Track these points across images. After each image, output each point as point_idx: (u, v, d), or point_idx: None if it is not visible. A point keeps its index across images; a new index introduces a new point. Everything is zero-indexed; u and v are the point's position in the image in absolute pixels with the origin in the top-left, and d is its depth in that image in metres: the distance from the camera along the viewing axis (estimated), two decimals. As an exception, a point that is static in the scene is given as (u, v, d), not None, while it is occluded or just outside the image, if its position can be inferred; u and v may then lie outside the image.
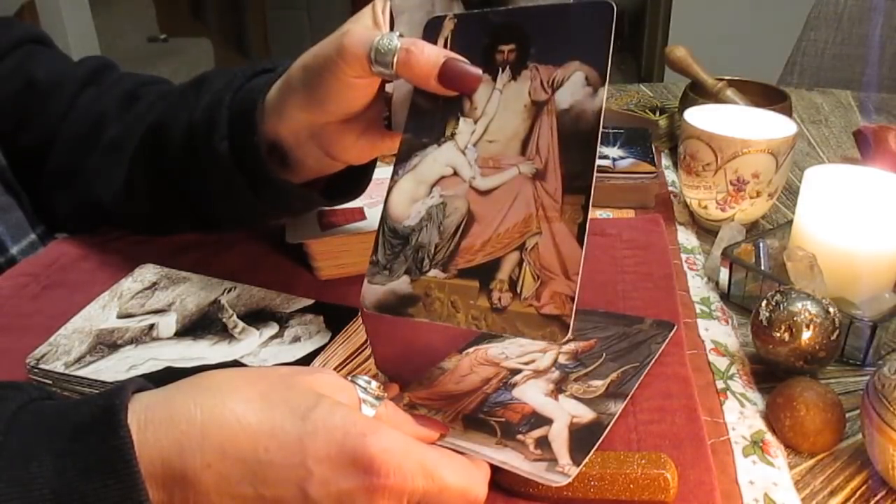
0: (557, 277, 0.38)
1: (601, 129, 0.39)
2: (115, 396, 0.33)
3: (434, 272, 0.41)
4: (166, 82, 0.72)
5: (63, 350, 0.47)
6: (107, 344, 0.48)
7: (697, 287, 0.65)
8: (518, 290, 0.39)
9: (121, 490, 0.30)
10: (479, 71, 0.43)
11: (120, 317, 0.52)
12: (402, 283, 0.42)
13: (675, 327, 0.54)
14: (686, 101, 0.90)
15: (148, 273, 0.56)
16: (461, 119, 0.43)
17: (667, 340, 0.52)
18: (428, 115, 0.43)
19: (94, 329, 0.50)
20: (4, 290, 0.61)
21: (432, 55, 0.43)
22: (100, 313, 0.51)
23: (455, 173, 0.43)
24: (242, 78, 0.54)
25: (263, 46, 3.54)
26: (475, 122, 0.43)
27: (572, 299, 0.37)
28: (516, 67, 0.42)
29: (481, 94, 0.43)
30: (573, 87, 0.41)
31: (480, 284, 0.40)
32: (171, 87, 0.69)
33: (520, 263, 0.39)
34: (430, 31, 0.45)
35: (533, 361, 0.49)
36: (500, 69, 0.43)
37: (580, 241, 0.38)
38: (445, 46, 0.45)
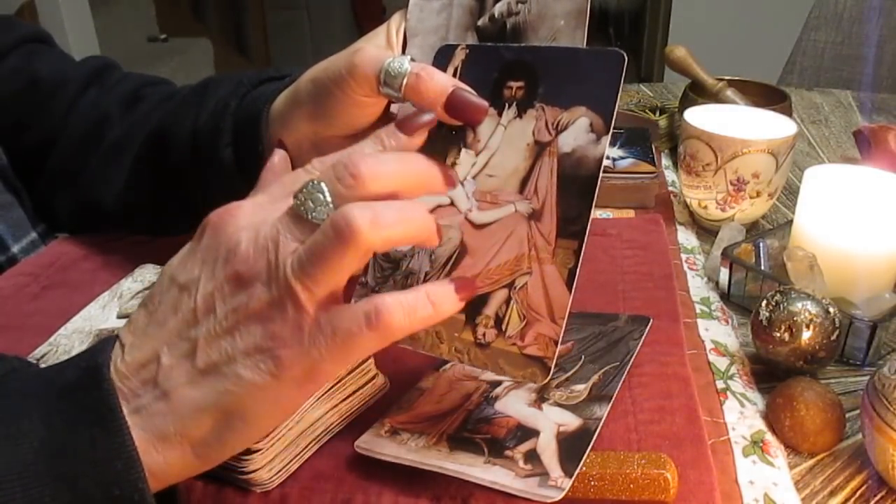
0: (543, 319, 0.38)
1: (601, 178, 0.39)
2: (97, 355, 0.34)
3: None
4: (168, 83, 0.72)
5: (63, 350, 0.47)
6: (107, 344, 0.48)
7: (697, 287, 0.65)
8: (503, 328, 0.39)
9: (106, 437, 0.31)
10: (485, 103, 0.42)
11: (120, 317, 0.52)
12: None
13: (651, 322, 0.54)
14: (686, 101, 0.90)
15: (148, 273, 0.56)
16: (463, 150, 0.43)
17: (643, 336, 0.52)
18: (430, 143, 0.43)
19: (94, 329, 0.49)
20: (4, 290, 0.61)
21: (441, 83, 0.42)
22: (100, 313, 0.51)
23: (451, 203, 0.42)
24: (248, 85, 0.54)
25: (263, 46, 3.54)
26: (476, 154, 0.43)
27: (556, 343, 0.37)
28: (523, 105, 0.42)
29: (485, 128, 0.43)
30: (577, 131, 0.40)
31: (466, 318, 0.40)
32: (174, 88, 0.69)
33: (507, 301, 0.39)
34: (441, 59, 0.45)
35: None
36: (507, 105, 0.43)
37: (569, 285, 0.38)
38: (455, 76, 0.44)
